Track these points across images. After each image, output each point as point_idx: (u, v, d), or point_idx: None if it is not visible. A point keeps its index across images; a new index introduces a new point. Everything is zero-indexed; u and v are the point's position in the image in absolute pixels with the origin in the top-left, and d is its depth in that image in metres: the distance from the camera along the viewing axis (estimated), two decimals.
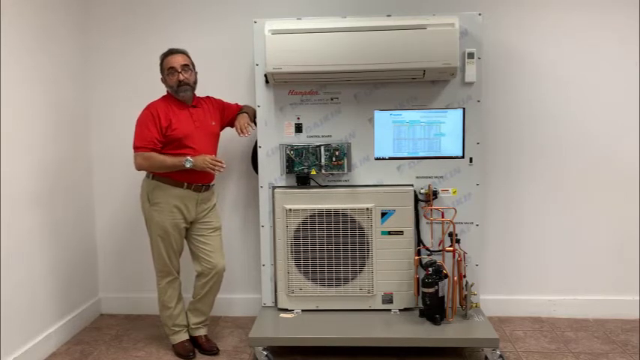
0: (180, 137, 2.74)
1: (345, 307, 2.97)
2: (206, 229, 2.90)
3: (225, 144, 3.08)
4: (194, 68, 2.86)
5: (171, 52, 2.82)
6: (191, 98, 2.86)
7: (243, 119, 2.92)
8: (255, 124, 3.01)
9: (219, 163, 2.71)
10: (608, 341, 3.01)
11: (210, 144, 2.88)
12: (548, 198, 3.28)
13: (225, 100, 3.07)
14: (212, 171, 2.73)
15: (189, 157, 2.69)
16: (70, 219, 3.21)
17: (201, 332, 2.99)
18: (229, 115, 3.02)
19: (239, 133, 2.90)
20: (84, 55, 3.35)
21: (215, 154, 2.89)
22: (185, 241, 2.93)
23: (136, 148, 2.74)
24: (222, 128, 3.02)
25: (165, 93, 2.88)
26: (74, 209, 3.26)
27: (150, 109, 2.77)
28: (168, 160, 2.72)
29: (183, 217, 2.82)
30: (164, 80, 2.83)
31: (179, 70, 2.76)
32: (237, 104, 3.08)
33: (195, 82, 2.87)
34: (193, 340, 2.98)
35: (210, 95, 3.03)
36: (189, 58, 2.84)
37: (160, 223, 2.80)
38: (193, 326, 2.97)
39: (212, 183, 2.94)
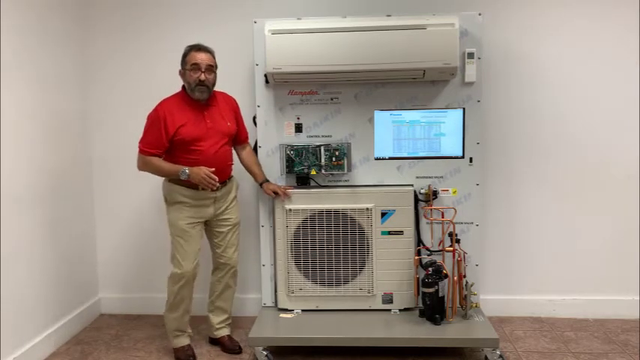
0: (189, 140, 2.66)
1: (345, 307, 2.97)
2: (224, 225, 2.88)
3: None
4: (216, 70, 2.74)
5: (199, 48, 2.68)
6: (206, 98, 2.72)
7: (275, 186, 2.92)
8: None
9: (213, 181, 2.64)
10: (608, 341, 3.00)
11: (223, 145, 2.76)
12: (548, 198, 3.28)
13: None
14: (204, 187, 2.67)
15: (185, 169, 2.63)
16: (70, 219, 3.21)
17: (224, 332, 2.99)
18: (239, 130, 2.90)
19: (277, 196, 2.91)
20: (84, 56, 3.35)
21: (230, 155, 2.83)
22: (204, 235, 2.90)
23: (139, 149, 2.69)
24: None
25: (179, 88, 2.76)
26: (74, 209, 3.26)
27: (159, 111, 2.66)
28: (166, 168, 2.68)
29: (200, 216, 2.78)
30: (183, 74, 2.70)
31: (203, 70, 2.64)
32: (245, 128, 2.96)
33: (214, 84, 2.74)
34: (216, 342, 2.99)
35: (225, 93, 2.90)
36: (214, 58, 2.72)
37: (175, 222, 2.75)
38: (218, 326, 2.97)
39: (230, 176, 2.88)
